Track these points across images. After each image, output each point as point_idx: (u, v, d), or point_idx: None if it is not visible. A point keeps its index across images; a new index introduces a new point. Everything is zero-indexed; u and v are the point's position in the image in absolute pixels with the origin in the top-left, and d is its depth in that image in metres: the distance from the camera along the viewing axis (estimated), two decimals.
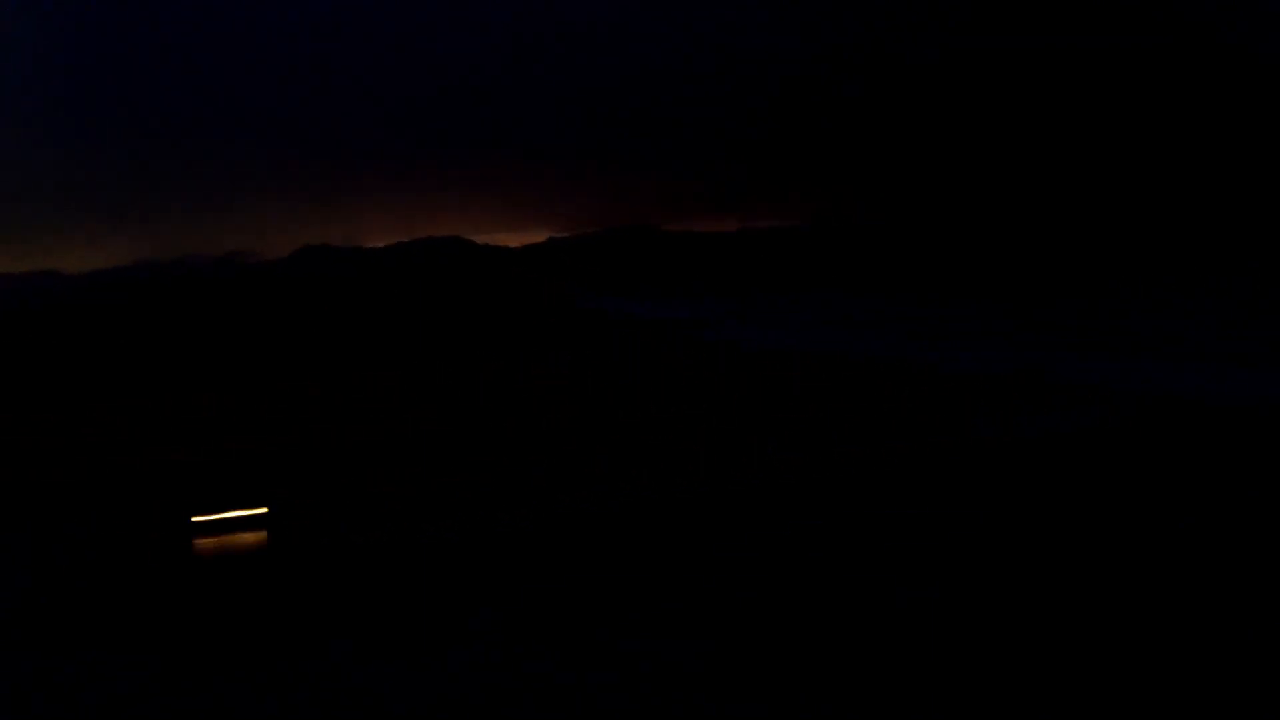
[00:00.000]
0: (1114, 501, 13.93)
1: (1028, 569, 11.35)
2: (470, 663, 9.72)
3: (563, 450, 19.60)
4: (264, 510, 16.01)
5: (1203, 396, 20.91)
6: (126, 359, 48.51)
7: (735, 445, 19.18)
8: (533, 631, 10.37)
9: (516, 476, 17.46)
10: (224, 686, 9.29)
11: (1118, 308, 31.10)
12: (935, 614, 10.10)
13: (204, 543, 14.79)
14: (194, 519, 15.52)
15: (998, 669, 8.88)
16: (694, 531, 13.62)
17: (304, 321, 73.30)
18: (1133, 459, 16.43)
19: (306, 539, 14.50)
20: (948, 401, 22.48)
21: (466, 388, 30.74)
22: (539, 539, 13.68)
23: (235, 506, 15.99)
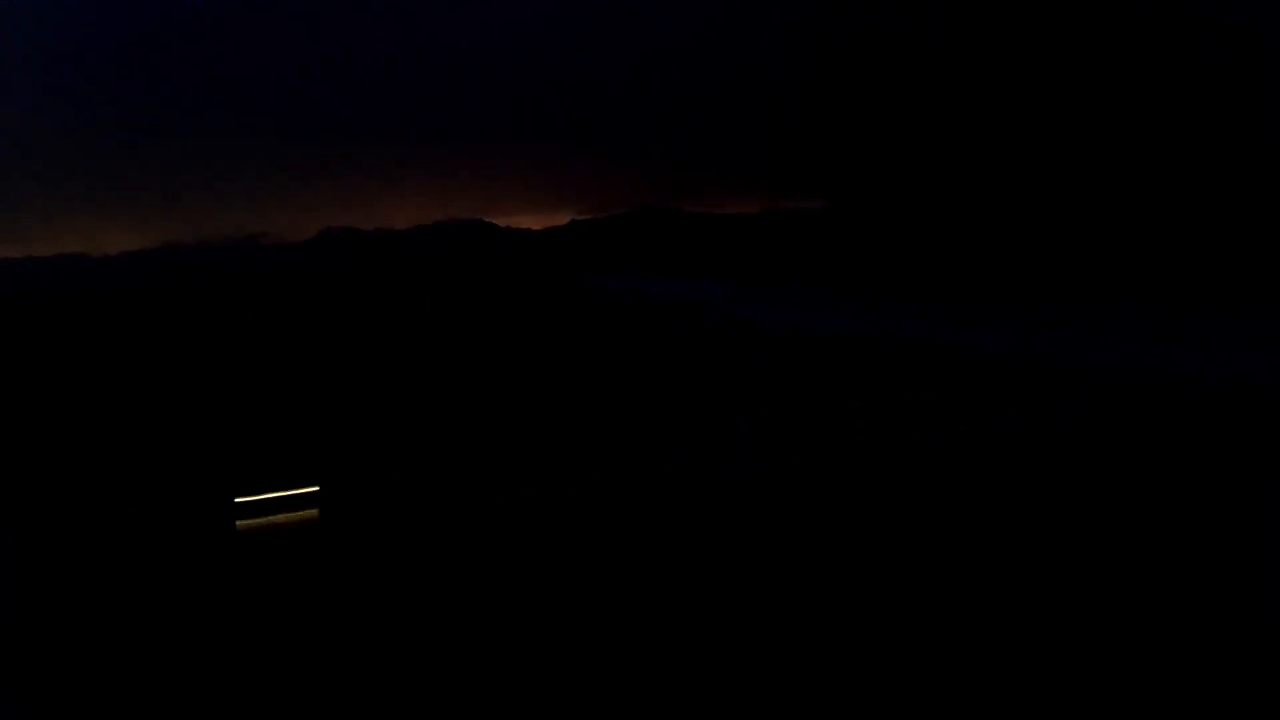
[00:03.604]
0: (1112, 496, 13.84)
1: (1030, 569, 11.28)
2: (469, 661, 9.69)
3: (563, 442, 19.58)
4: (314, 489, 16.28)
5: (1201, 379, 20.78)
6: (156, 342, 48.55)
7: (739, 436, 19.12)
8: (533, 630, 10.33)
9: (514, 471, 17.45)
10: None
11: (1121, 297, 31.05)
12: (935, 614, 10.03)
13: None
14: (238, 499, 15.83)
15: (997, 669, 8.82)
16: (694, 528, 13.57)
17: (325, 304, 73.24)
18: (1131, 449, 16.33)
19: (309, 527, 14.53)
20: (951, 392, 22.38)
21: (477, 373, 30.72)
22: (539, 534, 13.64)
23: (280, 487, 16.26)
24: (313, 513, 15.65)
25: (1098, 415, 19.21)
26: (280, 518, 15.49)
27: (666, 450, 18.17)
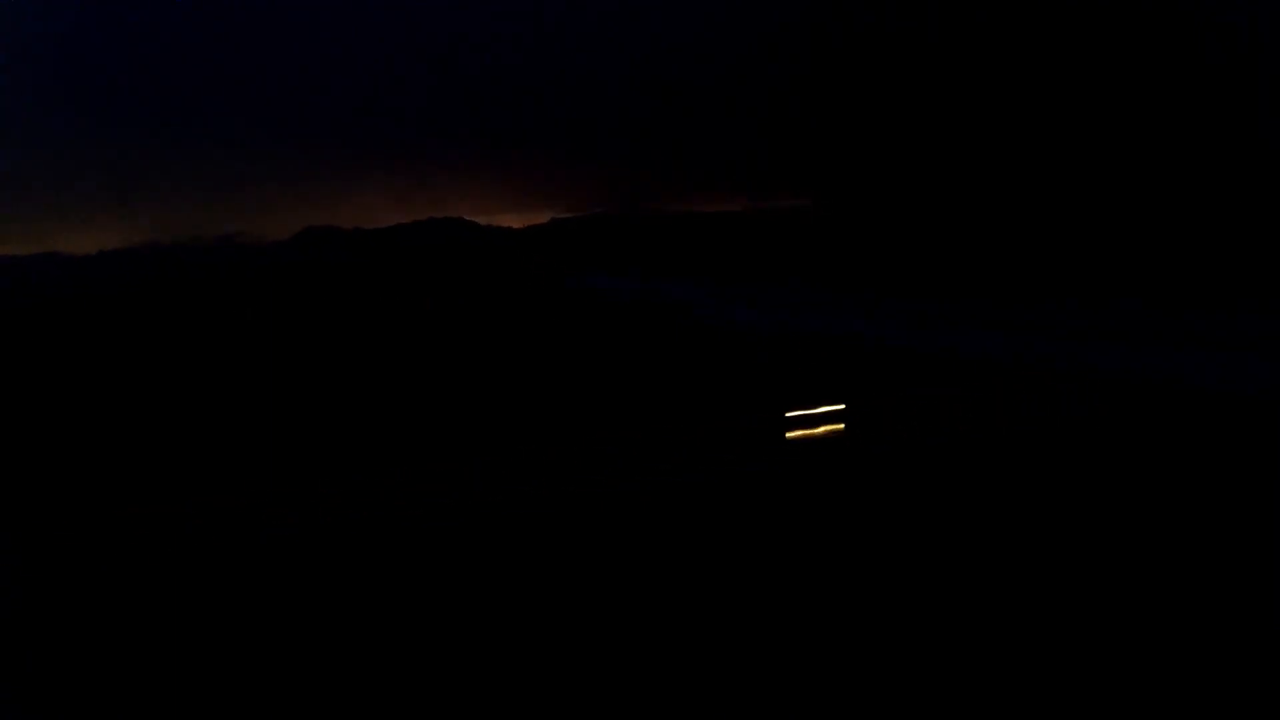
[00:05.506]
0: (1112, 497, 13.93)
1: (1030, 569, 11.36)
2: (467, 661, 9.73)
3: (563, 442, 19.62)
4: None
5: (1202, 380, 20.95)
6: (150, 340, 48.47)
7: (731, 435, 19.17)
8: (533, 630, 10.38)
9: (514, 471, 17.48)
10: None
11: (1118, 298, 31.47)
12: (936, 614, 10.11)
13: None
14: None
15: (998, 669, 8.90)
16: (693, 528, 13.62)
17: (319, 302, 72.97)
18: (1131, 450, 16.43)
19: (283, 529, 14.49)
20: (951, 392, 22.50)
21: (476, 372, 30.83)
22: (539, 535, 13.69)
23: None
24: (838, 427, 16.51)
25: (1098, 416, 19.31)
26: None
27: (667, 450, 18.19)
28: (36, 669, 10.02)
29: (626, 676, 9.23)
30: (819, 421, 16.65)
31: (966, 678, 8.84)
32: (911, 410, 20.83)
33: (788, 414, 16.53)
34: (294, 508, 15.61)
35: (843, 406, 16.95)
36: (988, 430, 18.41)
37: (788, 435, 16.07)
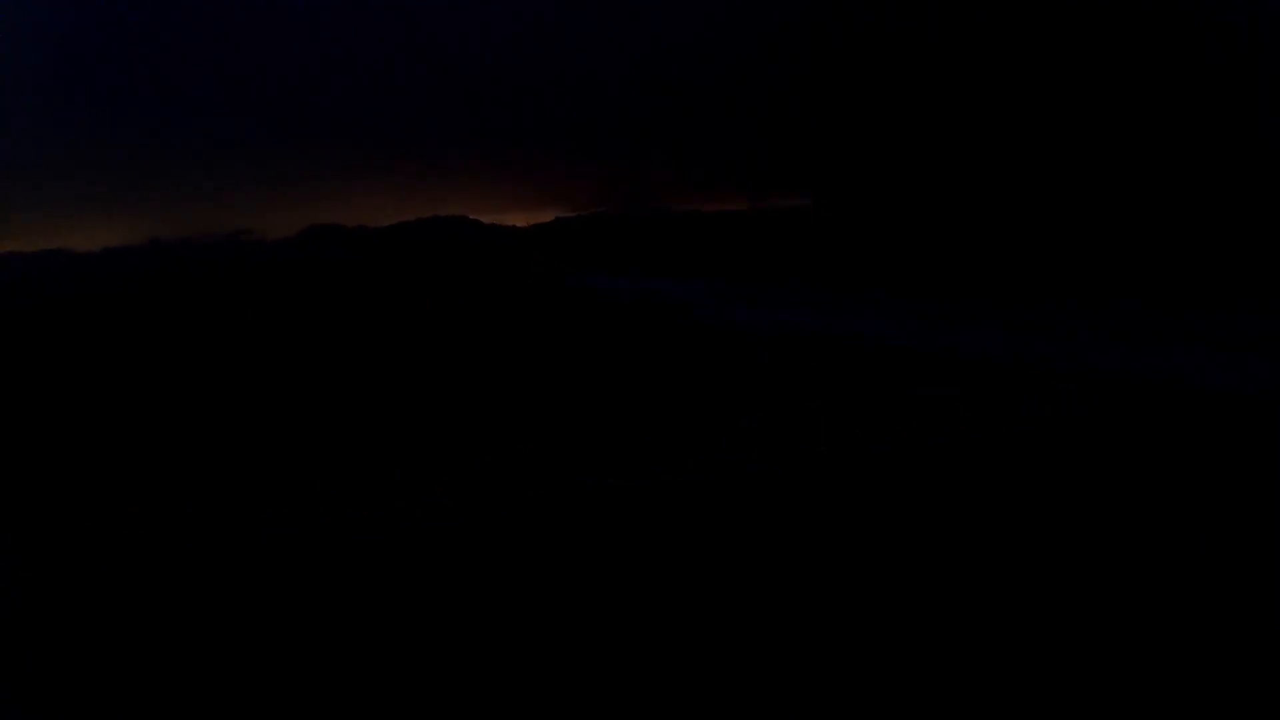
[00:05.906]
0: (1112, 497, 13.91)
1: (1030, 569, 11.35)
2: (467, 662, 9.72)
3: (563, 442, 19.60)
4: None
5: (1202, 380, 20.90)
6: (152, 339, 48.42)
7: (739, 436, 19.15)
8: (534, 631, 10.37)
9: (514, 471, 17.46)
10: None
11: (1116, 297, 31.46)
12: (936, 615, 10.10)
13: None
14: None
15: (998, 669, 8.90)
16: (692, 529, 13.60)
17: (320, 302, 73.11)
18: (1131, 450, 16.39)
19: (283, 529, 14.48)
20: (950, 392, 22.47)
21: (476, 372, 30.80)
22: (536, 534, 13.67)
23: None
24: None
25: (1098, 416, 19.27)
26: None
27: (667, 450, 18.17)
28: (36, 669, 10.00)
29: (626, 677, 9.23)
30: None
31: (966, 679, 8.84)
32: (911, 410, 20.82)
33: None
34: (294, 508, 15.58)
35: None
36: (988, 430, 18.37)
37: None
